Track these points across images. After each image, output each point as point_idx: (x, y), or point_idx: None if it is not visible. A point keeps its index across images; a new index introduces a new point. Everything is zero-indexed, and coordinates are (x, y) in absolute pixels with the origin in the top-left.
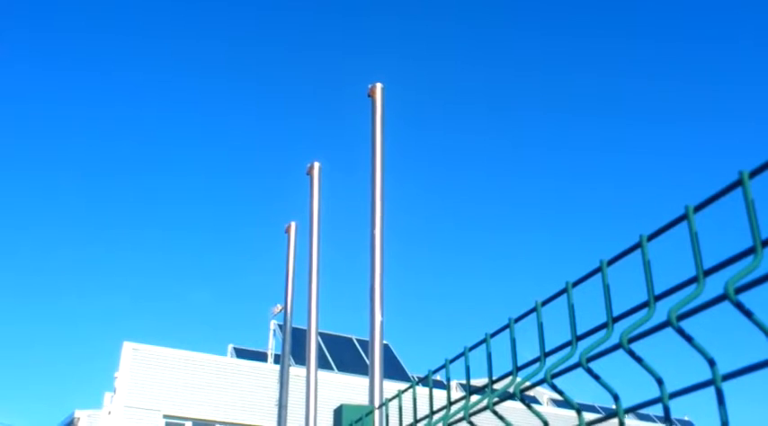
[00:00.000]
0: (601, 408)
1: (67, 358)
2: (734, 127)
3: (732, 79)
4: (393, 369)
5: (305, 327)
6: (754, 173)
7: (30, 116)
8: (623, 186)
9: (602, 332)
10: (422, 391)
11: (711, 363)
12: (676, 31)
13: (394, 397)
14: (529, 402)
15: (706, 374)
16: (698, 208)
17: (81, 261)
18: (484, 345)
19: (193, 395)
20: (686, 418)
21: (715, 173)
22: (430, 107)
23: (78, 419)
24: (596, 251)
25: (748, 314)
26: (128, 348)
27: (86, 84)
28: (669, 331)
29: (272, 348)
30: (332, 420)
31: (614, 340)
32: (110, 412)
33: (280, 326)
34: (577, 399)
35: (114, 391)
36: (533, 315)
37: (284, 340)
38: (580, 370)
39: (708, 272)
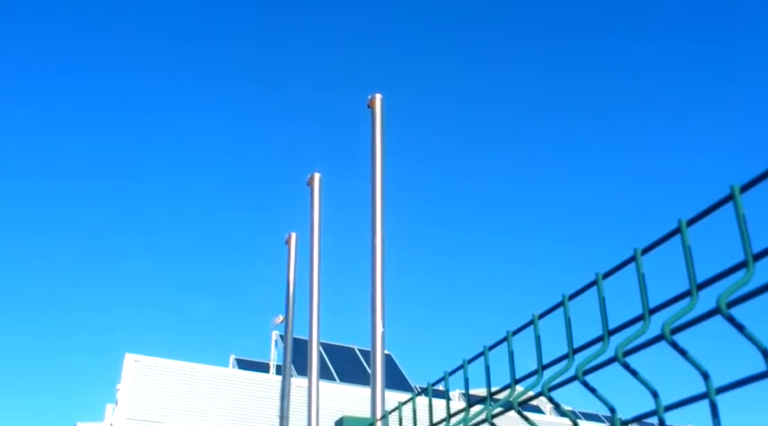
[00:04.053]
0: (604, 417)
1: (69, 369)
2: (732, 130)
3: (731, 80)
4: (395, 380)
5: (306, 337)
6: (745, 188)
7: (28, 119)
8: (625, 190)
9: (599, 345)
10: (423, 401)
11: (705, 376)
12: (675, 32)
13: (394, 409)
14: (531, 411)
15: (702, 386)
16: (691, 221)
17: (81, 271)
18: (484, 356)
19: (195, 407)
20: None
21: (716, 174)
22: (429, 114)
23: None
24: (599, 251)
25: (740, 327)
26: (129, 359)
27: (84, 87)
28: (664, 344)
29: (273, 359)
30: None
31: (610, 353)
32: (111, 425)
33: (281, 337)
34: (581, 408)
35: (116, 403)
36: (531, 327)
37: (285, 350)
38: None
39: (701, 286)
